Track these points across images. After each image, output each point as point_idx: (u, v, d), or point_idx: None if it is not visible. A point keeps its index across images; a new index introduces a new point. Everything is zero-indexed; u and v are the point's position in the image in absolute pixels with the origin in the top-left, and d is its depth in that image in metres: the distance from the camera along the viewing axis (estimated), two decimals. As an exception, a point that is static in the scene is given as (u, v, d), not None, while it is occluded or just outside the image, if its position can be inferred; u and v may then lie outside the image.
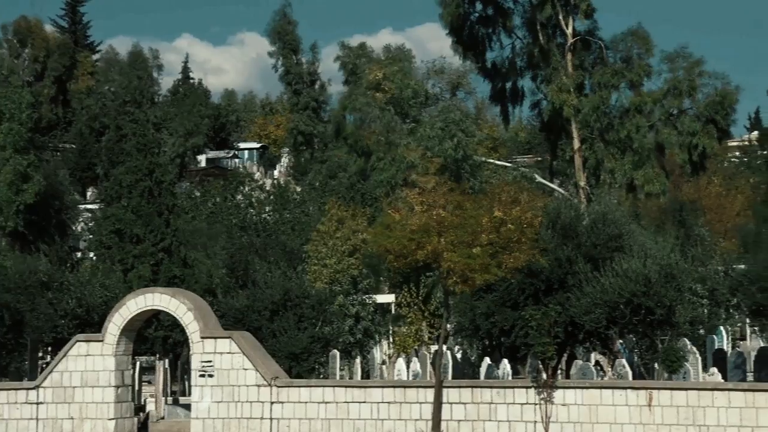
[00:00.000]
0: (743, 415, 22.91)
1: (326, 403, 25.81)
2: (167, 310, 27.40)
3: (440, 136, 46.95)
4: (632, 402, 23.64)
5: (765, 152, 76.44)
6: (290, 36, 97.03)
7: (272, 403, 26.12)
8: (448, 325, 29.95)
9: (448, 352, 34.74)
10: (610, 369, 31.39)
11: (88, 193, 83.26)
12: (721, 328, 39.10)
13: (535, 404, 24.22)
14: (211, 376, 26.38)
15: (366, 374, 37.73)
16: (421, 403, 25.11)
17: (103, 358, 27.18)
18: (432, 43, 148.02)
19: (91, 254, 48.68)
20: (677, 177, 54.54)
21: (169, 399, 34.68)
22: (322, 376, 32.19)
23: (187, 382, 35.08)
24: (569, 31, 48.67)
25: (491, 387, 25.13)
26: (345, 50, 53.90)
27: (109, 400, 27.11)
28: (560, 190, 49.89)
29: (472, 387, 25.19)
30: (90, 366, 27.27)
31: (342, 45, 54.59)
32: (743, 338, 44.25)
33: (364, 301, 39.22)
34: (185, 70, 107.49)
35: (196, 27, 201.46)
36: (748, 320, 38.59)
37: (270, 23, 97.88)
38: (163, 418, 32.17)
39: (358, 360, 36.86)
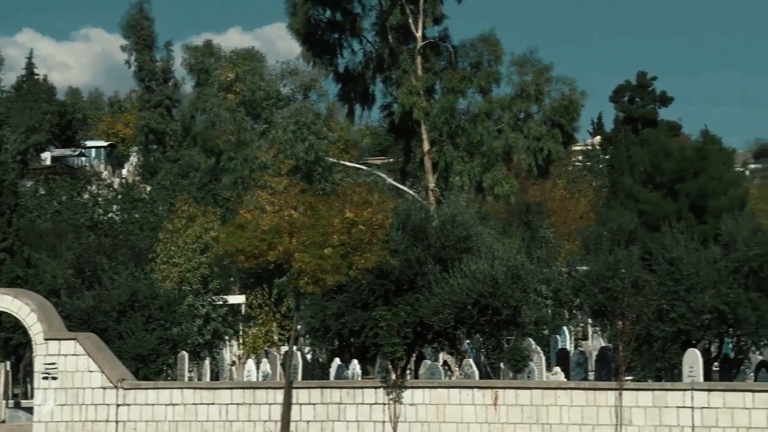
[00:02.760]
0: (585, 414, 23.54)
1: (174, 405, 25.53)
2: (9, 311, 26.68)
3: (292, 139, 46.82)
4: (478, 401, 24.05)
5: (607, 156, 78.67)
6: (146, 32, 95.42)
7: (118, 405, 25.69)
8: (299, 326, 29.94)
9: (299, 353, 34.75)
10: (457, 369, 31.84)
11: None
12: (565, 328, 40.09)
13: (384, 404, 24.44)
14: (54, 378, 25.80)
15: (215, 376, 37.43)
16: (270, 404, 25.05)
17: (-60, 361, 26.36)
18: (281, 42, 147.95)
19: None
20: (524, 180, 55.59)
21: (11, 402, 33.78)
22: (170, 377, 31.81)
23: (29, 385, 34.20)
24: (419, 35, 49.12)
25: (340, 387, 25.24)
26: (190, 52, 53.00)
27: (-54, 405, 26.28)
28: (411, 191, 50.30)
29: (321, 387, 25.27)
30: (-73, 369, 26.40)
31: (186, 47, 53.77)
32: (585, 338, 45.41)
33: (215, 302, 38.89)
34: (29, 66, 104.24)
35: (37, 21, 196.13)
36: (590, 320, 39.60)
37: (125, 17, 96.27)
38: (3, 421, 31.34)
39: (207, 361, 36.54)
